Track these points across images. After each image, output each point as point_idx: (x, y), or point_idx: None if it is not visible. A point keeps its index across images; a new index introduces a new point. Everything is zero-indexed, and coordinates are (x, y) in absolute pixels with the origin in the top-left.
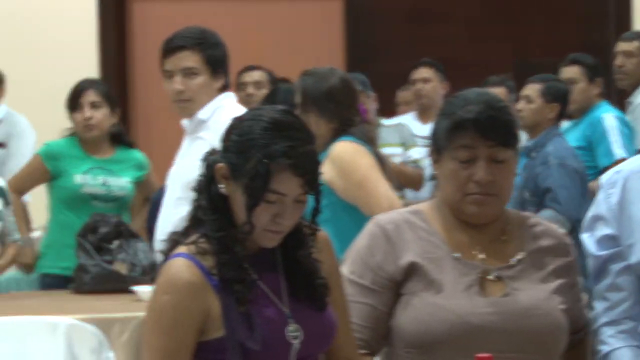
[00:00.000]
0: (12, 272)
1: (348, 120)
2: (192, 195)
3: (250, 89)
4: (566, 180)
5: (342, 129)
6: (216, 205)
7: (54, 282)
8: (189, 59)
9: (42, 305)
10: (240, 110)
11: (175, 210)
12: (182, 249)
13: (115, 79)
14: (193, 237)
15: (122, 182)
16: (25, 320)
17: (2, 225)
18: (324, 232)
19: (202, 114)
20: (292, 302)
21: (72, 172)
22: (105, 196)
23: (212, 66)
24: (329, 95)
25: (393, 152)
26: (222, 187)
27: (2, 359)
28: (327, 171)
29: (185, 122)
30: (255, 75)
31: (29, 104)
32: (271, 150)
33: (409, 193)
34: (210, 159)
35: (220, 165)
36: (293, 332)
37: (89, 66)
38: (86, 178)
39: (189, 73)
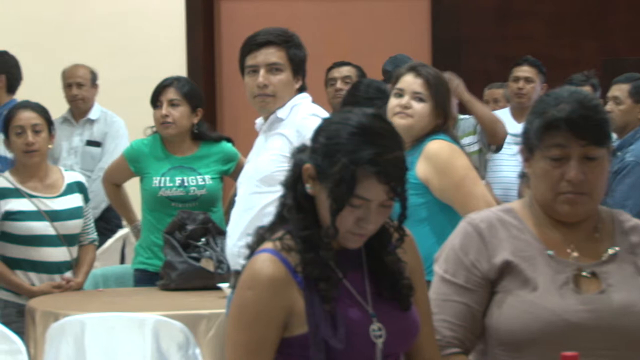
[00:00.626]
0: (99, 269)
1: (448, 118)
2: (267, 189)
3: (339, 84)
4: (634, 178)
5: (438, 126)
6: (302, 205)
7: (145, 278)
8: (275, 54)
9: (130, 302)
10: (316, 109)
11: (247, 205)
12: (267, 244)
13: (202, 78)
14: (279, 234)
15: (201, 180)
16: (114, 317)
17: (83, 222)
18: (409, 232)
19: (280, 112)
20: (376, 301)
21: (151, 174)
22: (183, 197)
23: (295, 65)
24: (448, 90)
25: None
26: (309, 187)
27: (92, 353)
28: (422, 169)
29: (259, 121)
30: (344, 71)
31: (120, 104)
32: (357, 156)
33: None
34: (297, 158)
35: (308, 165)
36: (376, 331)
37: (178, 65)
38: (163, 181)
39: (273, 69)
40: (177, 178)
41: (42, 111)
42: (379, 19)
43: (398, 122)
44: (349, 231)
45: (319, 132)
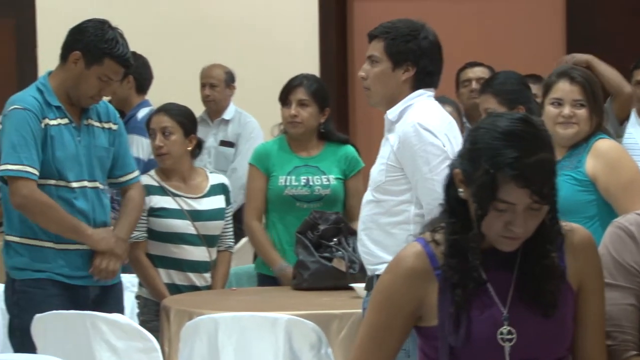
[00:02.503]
0: (232, 268)
1: (603, 115)
2: (381, 198)
3: (474, 85)
4: None
5: (598, 125)
6: (455, 209)
7: (270, 279)
8: (374, 47)
9: (262, 301)
10: (423, 118)
11: (364, 212)
12: (425, 235)
13: (335, 79)
14: (437, 227)
15: (325, 180)
16: (247, 316)
17: (224, 223)
18: (587, 232)
19: (390, 113)
20: (516, 305)
21: (277, 173)
22: (308, 197)
23: (394, 58)
24: (599, 88)
25: None
26: (461, 192)
27: (225, 352)
28: (591, 166)
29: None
30: (478, 72)
31: (253, 105)
32: (497, 160)
33: None
34: (452, 162)
35: (457, 170)
36: (505, 334)
37: (311, 66)
38: (289, 180)
39: (371, 61)
40: (302, 177)
41: (176, 114)
42: (512, 17)
43: (563, 132)
44: (499, 235)
45: (467, 136)
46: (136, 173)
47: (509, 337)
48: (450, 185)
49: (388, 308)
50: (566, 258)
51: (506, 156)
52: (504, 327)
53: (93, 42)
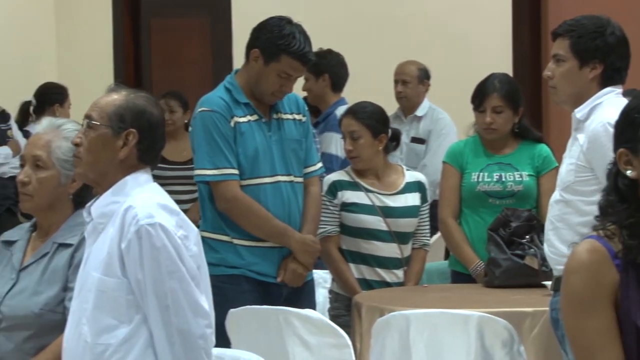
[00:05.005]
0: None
1: None
2: (569, 197)
3: None
4: None
5: None
6: (624, 194)
7: (462, 276)
8: (559, 45)
9: (454, 298)
10: (614, 116)
11: (552, 212)
12: (596, 232)
13: (529, 76)
14: (603, 223)
15: (518, 177)
16: (438, 313)
17: (418, 221)
18: None
19: (578, 112)
20: None
21: (470, 170)
22: (500, 193)
23: (580, 56)
24: None
25: None
26: (630, 172)
27: (416, 348)
28: None
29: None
30: None
31: (447, 101)
32: None
33: None
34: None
35: (622, 150)
36: None
37: (504, 65)
38: (481, 176)
39: (557, 60)
40: (495, 174)
41: (363, 117)
42: None
43: None
44: None
45: (621, 116)
46: (318, 166)
47: None
48: (615, 173)
49: (597, 305)
50: None
51: None
52: None
53: (270, 39)
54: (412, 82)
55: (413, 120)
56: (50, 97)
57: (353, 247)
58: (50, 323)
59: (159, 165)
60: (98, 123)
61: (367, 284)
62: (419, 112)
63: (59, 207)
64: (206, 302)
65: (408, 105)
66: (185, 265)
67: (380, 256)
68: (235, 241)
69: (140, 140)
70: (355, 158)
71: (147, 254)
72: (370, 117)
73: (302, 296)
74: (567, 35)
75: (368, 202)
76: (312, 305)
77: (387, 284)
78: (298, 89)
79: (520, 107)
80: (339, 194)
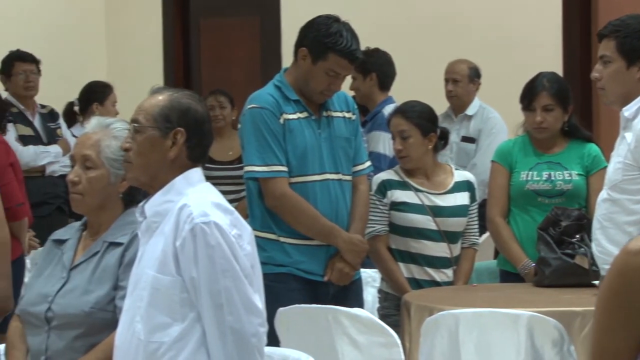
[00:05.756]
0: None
1: None
2: (617, 196)
3: None
4: None
5: None
6: None
7: (512, 275)
8: (605, 47)
9: (503, 298)
10: None
11: (599, 212)
12: None
13: (579, 74)
14: None
15: (567, 175)
16: (488, 312)
17: (467, 220)
18: None
19: (626, 111)
20: None
21: (519, 169)
22: (549, 191)
23: (627, 56)
24: None
25: None
26: None
27: (466, 348)
28: None
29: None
30: None
31: (496, 99)
32: None
33: None
34: None
35: None
36: None
37: (555, 64)
38: (530, 175)
39: (604, 61)
40: (544, 172)
41: (412, 116)
42: None
43: None
44: None
45: None
46: (367, 164)
47: None
48: None
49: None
50: None
51: None
52: None
53: (317, 37)
54: (463, 80)
55: (463, 119)
56: (91, 97)
57: (402, 246)
58: (101, 322)
59: (206, 165)
60: (145, 125)
61: (417, 283)
62: (470, 111)
63: (109, 206)
64: (259, 300)
65: (458, 104)
66: (239, 264)
67: (429, 255)
68: (283, 239)
69: (189, 138)
70: (404, 157)
71: (201, 252)
72: (419, 116)
73: (349, 295)
74: (613, 36)
75: (417, 202)
76: (359, 304)
77: (437, 283)
78: (345, 88)
79: (569, 106)
80: (389, 193)
